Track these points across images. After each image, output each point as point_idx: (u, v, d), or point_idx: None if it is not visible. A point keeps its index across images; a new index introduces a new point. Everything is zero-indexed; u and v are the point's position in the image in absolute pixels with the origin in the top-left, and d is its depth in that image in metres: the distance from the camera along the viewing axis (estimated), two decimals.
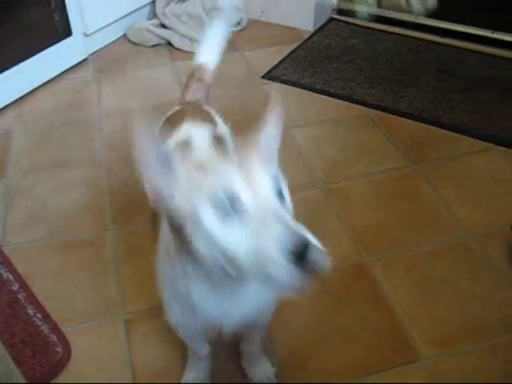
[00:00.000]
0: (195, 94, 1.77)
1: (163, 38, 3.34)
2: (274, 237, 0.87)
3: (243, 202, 0.91)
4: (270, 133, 1.09)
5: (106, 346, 1.74)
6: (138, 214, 2.17)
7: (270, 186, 0.94)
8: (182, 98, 1.78)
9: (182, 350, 1.69)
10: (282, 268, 0.85)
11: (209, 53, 1.84)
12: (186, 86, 1.81)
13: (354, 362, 1.67)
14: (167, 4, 3.44)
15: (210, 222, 0.92)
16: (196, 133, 1.46)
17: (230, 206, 0.91)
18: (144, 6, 3.49)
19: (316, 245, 0.88)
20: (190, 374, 1.63)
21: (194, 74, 1.81)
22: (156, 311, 1.81)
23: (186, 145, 1.38)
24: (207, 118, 1.60)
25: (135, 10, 3.43)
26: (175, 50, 3.30)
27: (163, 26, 3.39)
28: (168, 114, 1.64)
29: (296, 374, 1.65)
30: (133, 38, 3.37)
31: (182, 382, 1.63)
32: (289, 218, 0.91)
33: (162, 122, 1.60)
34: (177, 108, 1.66)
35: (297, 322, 1.78)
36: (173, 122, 1.54)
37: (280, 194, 0.96)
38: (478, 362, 1.66)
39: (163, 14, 3.38)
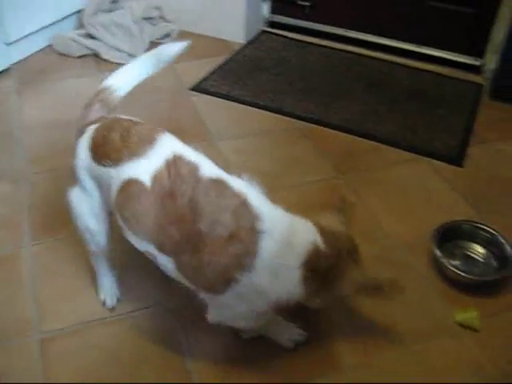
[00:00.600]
0: (97, 113, 1.65)
1: (90, 49, 3.25)
2: None
3: None
4: None
5: (19, 367, 1.65)
6: (59, 229, 2.08)
7: None
8: (83, 118, 1.66)
9: (100, 369, 1.63)
10: None
11: (122, 78, 1.77)
12: (88, 105, 1.70)
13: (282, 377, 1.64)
14: (95, 13, 3.35)
15: None
16: (181, 147, 1.48)
17: None
18: (71, 14, 3.39)
19: None
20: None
21: (99, 95, 1.71)
22: (75, 329, 1.75)
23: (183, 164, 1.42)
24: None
25: (62, 19, 3.33)
26: (103, 61, 3.22)
27: (90, 36, 3.30)
28: (87, 135, 1.54)
29: None
30: (59, 48, 3.27)
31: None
32: None
33: (85, 145, 1.54)
34: (96, 126, 1.55)
35: (223, 335, 1.74)
36: (113, 141, 1.46)
37: None
38: (403, 370, 1.66)
39: (90, 24, 3.29)
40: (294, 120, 2.75)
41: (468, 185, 2.42)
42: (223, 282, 1.36)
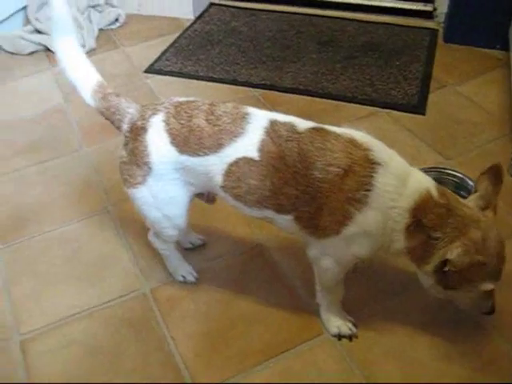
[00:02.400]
0: (131, 105, 1.54)
1: (40, 44, 3.19)
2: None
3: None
4: None
5: (2, 371, 1.64)
6: (24, 230, 2.07)
7: None
8: (126, 116, 1.53)
9: (82, 366, 1.63)
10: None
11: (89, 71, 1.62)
12: (111, 107, 1.55)
13: (260, 345, 1.65)
14: (40, 8, 3.28)
15: None
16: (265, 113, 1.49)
17: None
18: (15, 12, 3.31)
19: None
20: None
21: (107, 90, 1.59)
22: (53, 327, 1.74)
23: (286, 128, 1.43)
24: None
25: (6, 18, 3.25)
26: (54, 55, 3.14)
27: (38, 31, 3.24)
28: (156, 129, 1.46)
29: (203, 369, 1.61)
30: (7, 48, 3.20)
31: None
32: None
33: (159, 139, 1.46)
34: (161, 116, 1.46)
35: (199, 314, 1.74)
36: (198, 127, 1.43)
37: None
38: (379, 326, 1.68)
39: (37, 19, 3.23)
40: (249, 88, 2.73)
41: (431, 131, 2.43)
42: (339, 221, 1.36)
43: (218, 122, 1.42)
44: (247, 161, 1.39)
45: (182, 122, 1.44)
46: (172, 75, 2.86)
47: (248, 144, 1.39)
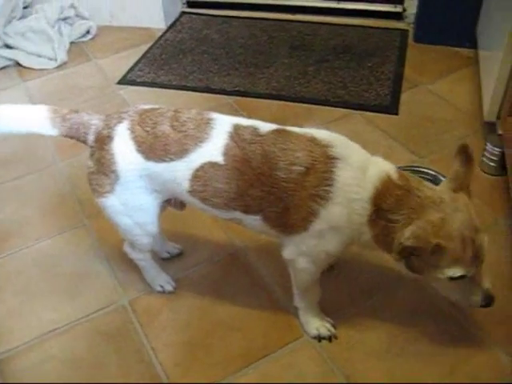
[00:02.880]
0: (97, 117, 1.53)
1: (10, 59, 3.17)
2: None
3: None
4: None
5: None
6: (1, 245, 2.05)
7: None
8: (91, 129, 1.51)
9: (63, 378, 1.62)
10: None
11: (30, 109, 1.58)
12: (74, 125, 1.53)
13: (240, 351, 1.65)
14: (8, 22, 3.26)
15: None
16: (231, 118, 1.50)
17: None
18: None
19: None
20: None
21: (63, 113, 1.54)
22: (33, 343, 1.73)
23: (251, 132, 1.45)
24: None
25: None
26: (25, 69, 3.14)
27: (8, 46, 3.22)
28: (121, 137, 1.46)
29: (184, 378, 1.60)
30: None
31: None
32: None
33: (124, 148, 1.45)
34: (123, 125, 1.46)
35: (178, 323, 1.74)
36: (163, 134, 1.43)
37: None
38: (362, 326, 1.69)
39: (5, 34, 3.20)
40: (223, 96, 2.73)
41: (404, 131, 2.46)
42: (305, 218, 1.38)
43: (182, 128, 1.42)
44: (212, 165, 1.40)
45: (147, 129, 1.44)
46: (145, 85, 2.86)
47: (212, 149, 1.40)
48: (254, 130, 1.42)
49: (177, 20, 3.45)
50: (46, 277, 1.93)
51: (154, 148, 1.43)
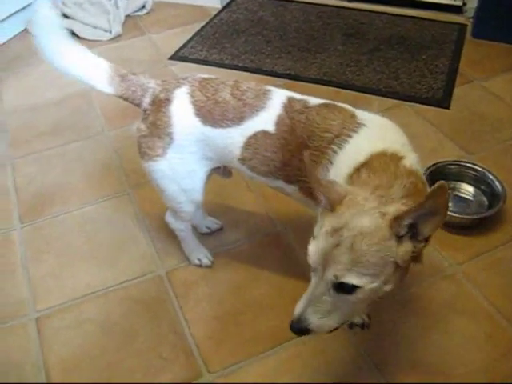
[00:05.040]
0: (154, 81, 1.54)
1: (66, 29, 3.21)
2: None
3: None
4: None
5: (17, 348, 1.67)
6: (45, 209, 2.10)
7: (328, 274, 1.14)
8: (148, 91, 1.52)
9: (96, 344, 1.65)
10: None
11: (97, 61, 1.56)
12: (131, 86, 1.52)
13: (272, 331, 1.65)
14: None
15: None
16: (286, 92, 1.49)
17: None
18: None
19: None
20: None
21: (121, 73, 1.54)
22: (69, 305, 1.76)
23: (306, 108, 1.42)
24: None
25: (34, 1, 3.28)
26: (80, 40, 3.18)
27: (65, 15, 3.26)
28: (182, 100, 1.47)
29: (214, 352, 1.62)
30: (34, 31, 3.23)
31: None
32: (313, 300, 1.19)
33: (185, 111, 1.47)
34: (185, 89, 1.48)
35: (213, 297, 1.75)
36: (223, 100, 1.45)
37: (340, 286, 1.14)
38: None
39: (63, 3, 3.26)
40: (273, 78, 2.72)
41: (454, 126, 2.40)
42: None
43: (242, 97, 1.44)
44: (264, 134, 1.42)
45: (208, 94, 1.46)
46: (197, 63, 2.86)
47: (267, 118, 1.42)
48: (305, 102, 1.43)
49: (232, 0, 3.44)
50: (87, 242, 1.97)
51: (212, 113, 1.44)
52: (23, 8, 3.21)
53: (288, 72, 2.74)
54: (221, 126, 1.44)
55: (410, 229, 1.10)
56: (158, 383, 1.56)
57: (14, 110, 2.67)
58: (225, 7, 3.38)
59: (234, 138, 1.45)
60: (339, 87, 2.63)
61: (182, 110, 1.46)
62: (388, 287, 1.15)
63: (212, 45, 3.01)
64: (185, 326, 1.68)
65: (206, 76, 1.53)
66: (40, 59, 3.07)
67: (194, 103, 1.46)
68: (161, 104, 1.48)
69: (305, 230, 1.90)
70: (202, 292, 1.77)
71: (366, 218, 1.10)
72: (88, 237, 1.98)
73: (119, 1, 3.32)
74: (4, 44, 3.19)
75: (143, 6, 3.40)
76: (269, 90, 1.46)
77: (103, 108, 2.61)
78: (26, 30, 3.27)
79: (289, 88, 2.61)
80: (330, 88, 2.63)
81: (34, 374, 1.59)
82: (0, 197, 2.17)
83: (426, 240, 1.13)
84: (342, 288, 1.13)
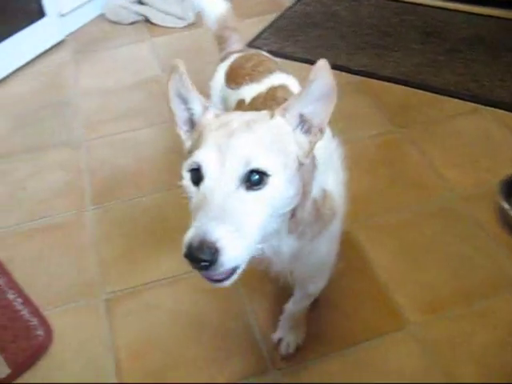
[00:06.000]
0: (237, 43, 1.80)
1: (141, 15, 3.25)
2: (190, 227, 0.91)
3: (204, 177, 0.94)
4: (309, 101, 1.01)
5: (87, 328, 1.70)
6: (117, 192, 2.12)
7: (232, 170, 0.93)
8: (226, 50, 1.78)
9: (163, 330, 1.66)
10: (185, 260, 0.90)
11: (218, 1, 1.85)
12: (223, 38, 1.82)
13: (339, 332, 1.63)
14: None
15: (185, 182, 1.00)
16: (291, 81, 1.48)
17: (196, 176, 0.96)
18: None
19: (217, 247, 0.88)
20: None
21: (228, 24, 1.82)
22: (138, 289, 1.78)
23: (282, 89, 1.40)
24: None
25: None
26: (153, 26, 3.22)
27: (140, 2, 3.30)
28: (229, 61, 1.66)
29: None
30: (110, 17, 3.29)
31: None
32: (216, 211, 0.91)
33: (224, 69, 1.65)
34: (239, 55, 1.66)
35: (279, 293, 1.73)
36: (245, 68, 1.56)
37: (249, 181, 0.93)
38: (467, 328, 1.62)
39: None
40: (347, 74, 2.68)
41: None
42: None
43: (255, 69, 1.52)
44: (243, 104, 1.46)
45: (242, 61, 1.60)
46: (270, 54, 2.84)
47: (252, 91, 1.46)
48: (290, 93, 1.39)
49: None
50: (155, 228, 1.98)
51: (232, 75, 1.59)
52: None
53: (363, 69, 2.69)
54: (230, 87, 1.57)
55: (301, 122, 1.03)
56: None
57: (88, 92, 2.72)
58: (299, 0, 3.34)
59: (232, 99, 1.54)
60: (415, 87, 2.56)
61: (219, 70, 1.66)
62: (292, 191, 0.99)
63: (285, 37, 2.98)
64: (252, 316, 1.67)
65: (252, 51, 1.73)
66: (115, 44, 3.15)
67: (228, 67, 1.63)
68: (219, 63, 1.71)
69: (375, 230, 1.88)
70: (269, 286, 1.75)
71: (253, 113, 1.07)
72: (156, 223, 2.00)
73: None
74: (81, 28, 3.24)
75: None
76: (275, 71, 1.49)
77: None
78: (101, 15, 3.32)
79: (363, 85, 2.61)
80: (406, 88, 2.57)
81: (104, 355, 1.63)
82: (74, 178, 2.22)
83: (322, 131, 1.04)
84: (250, 181, 0.93)
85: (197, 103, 1.09)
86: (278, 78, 1.47)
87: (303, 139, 1.03)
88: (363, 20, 3.10)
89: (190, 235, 0.90)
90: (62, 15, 3.07)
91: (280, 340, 1.61)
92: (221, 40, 1.82)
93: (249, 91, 1.48)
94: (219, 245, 0.87)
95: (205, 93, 1.68)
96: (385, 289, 1.73)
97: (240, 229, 0.91)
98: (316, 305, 1.67)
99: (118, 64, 2.93)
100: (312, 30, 3.03)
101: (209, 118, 1.06)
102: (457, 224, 1.92)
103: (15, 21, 2.84)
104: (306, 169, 1.06)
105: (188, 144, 1.12)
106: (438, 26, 3.01)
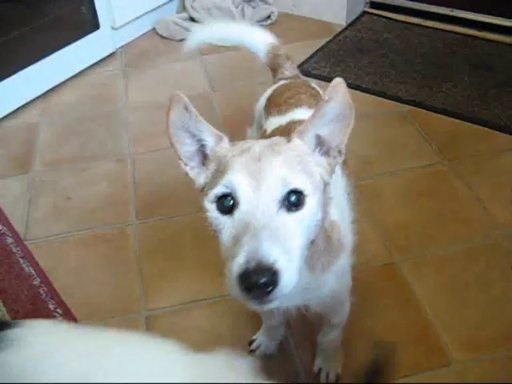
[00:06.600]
0: (290, 71, 1.79)
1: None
2: (237, 254, 0.87)
3: (239, 203, 0.91)
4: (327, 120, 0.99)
5: None
6: (161, 208, 2.14)
7: (271, 192, 0.90)
8: (279, 76, 1.78)
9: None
10: (234, 289, 0.87)
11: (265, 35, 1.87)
12: (276, 65, 1.82)
13: None
14: None
15: (211, 213, 0.97)
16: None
17: (226, 204, 0.93)
18: None
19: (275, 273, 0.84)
20: (260, 338, 1.68)
21: (278, 51, 1.82)
22: (178, 308, 1.78)
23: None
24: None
25: (164, 4, 3.39)
26: (204, 44, 3.24)
27: (192, 19, 3.34)
28: (274, 87, 1.68)
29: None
30: (161, 32, 3.34)
31: (252, 338, 1.69)
32: (265, 233, 0.87)
33: (267, 94, 1.66)
34: (285, 82, 1.67)
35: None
36: (284, 98, 1.56)
37: (288, 202, 0.91)
38: (510, 369, 1.58)
39: (192, 8, 3.34)
40: (396, 103, 2.66)
41: None
42: None
43: (288, 100, 1.52)
44: (265, 132, 1.50)
45: (283, 89, 1.60)
46: (319, 78, 2.84)
47: (274, 122, 1.48)
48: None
49: (358, 19, 3.40)
50: (198, 247, 1.98)
51: (269, 102, 1.60)
52: (153, 9, 3.33)
53: (412, 98, 2.67)
54: (265, 114, 1.57)
55: (318, 143, 1.01)
56: None
57: (137, 105, 2.76)
58: (350, 25, 3.34)
59: (267, 126, 1.52)
60: (464, 120, 2.53)
61: (264, 94, 1.66)
62: (320, 214, 0.97)
63: (336, 62, 2.98)
64: (293, 346, 1.66)
65: (299, 81, 1.71)
66: (165, 59, 3.18)
67: (274, 91, 1.63)
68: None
69: (420, 264, 1.86)
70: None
71: (269, 139, 1.07)
72: (199, 243, 1.99)
73: (246, 9, 3.37)
74: (133, 41, 3.30)
75: (268, 17, 3.42)
76: (302, 106, 1.49)
77: (222, 113, 2.64)
78: (153, 30, 3.38)
79: (412, 115, 2.59)
80: (455, 120, 2.53)
81: None
82: (118, 190, 2.24)
83: (341, 153, 1.02)
84: (289, 202, 0.92)
85: (208, 134, 1.04)
86: (300, 113, 1.45)
87: (323, 161, 1.02)
88: (414, 49, 3.08)
89: (241, 260, 0.86)
90: (115, 28, 3.13)
91: (320, 370, 1.60)
92: (274, 68, 1.83)
93: (273, 122, 1.50)
94: (278, 266, 0.84)
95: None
96: (429, 324, 1.70)
97: (288, 251, 0.89)
98: (359, 337, 1.65)
99: (168, 79, 2.97)
100: (362, 57, 3.03)
101: (225, 146, 1.03)
102: (503, 262, 1.88)
103: (71, 31, 2.91)
104: (324, 195, 1.04)
105: (201, 179, 1.05)
106: (489, 59, 2.98)
